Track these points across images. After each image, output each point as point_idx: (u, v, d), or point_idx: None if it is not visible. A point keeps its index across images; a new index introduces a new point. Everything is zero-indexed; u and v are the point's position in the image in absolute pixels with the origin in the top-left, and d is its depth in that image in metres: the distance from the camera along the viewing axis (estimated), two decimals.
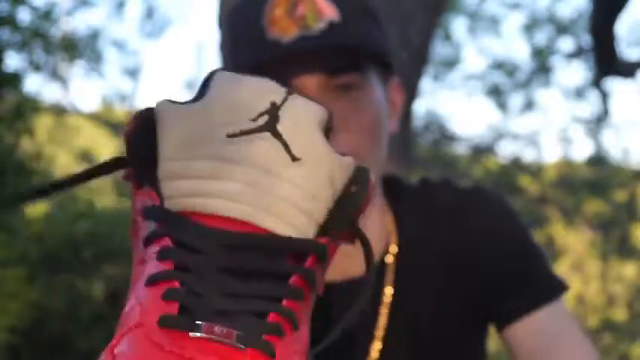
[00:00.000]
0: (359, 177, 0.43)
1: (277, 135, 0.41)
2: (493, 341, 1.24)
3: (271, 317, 0.38)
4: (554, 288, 0.94)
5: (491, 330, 1.02)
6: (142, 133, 0.43)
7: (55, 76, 8.29)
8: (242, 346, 0.37)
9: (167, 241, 0.40)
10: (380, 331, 0.93)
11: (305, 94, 0.44)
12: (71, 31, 8.66)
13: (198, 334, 0.37)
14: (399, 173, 1.05)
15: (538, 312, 0.92)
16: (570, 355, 0.91)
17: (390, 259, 0.94)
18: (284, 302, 0.39)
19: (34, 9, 4.53)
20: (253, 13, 0.87)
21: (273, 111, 0.41)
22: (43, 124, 7.09)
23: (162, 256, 0.40)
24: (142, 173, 0.43)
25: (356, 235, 0.45)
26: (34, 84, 11.72)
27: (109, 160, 0.44)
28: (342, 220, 0.43)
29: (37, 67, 4.85)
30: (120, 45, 9.72)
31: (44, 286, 4.38)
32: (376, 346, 0.93)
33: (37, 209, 5.36)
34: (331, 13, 0.86)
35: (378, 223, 0.95)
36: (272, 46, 0.85)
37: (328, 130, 0.44)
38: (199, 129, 0.41)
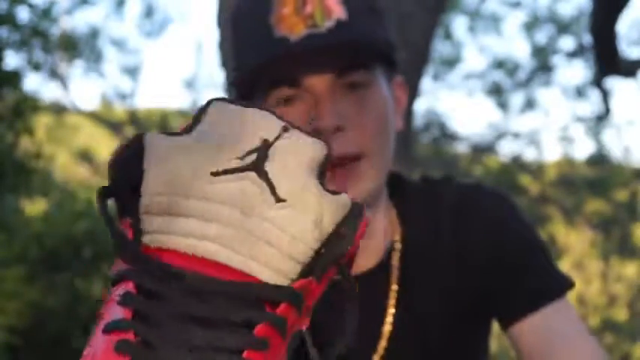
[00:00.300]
0: (352, 217, 0.41)
1: (263, 175, 0.40)
2: (494, 341, 1.23)
3: None
4: (560, 285, 0.93)
5: (491, 330, 1.01)
6: (129, 163, 0.41)
7: (55, 74, 8.29)
8: None
9: (130, 286, 0.39)
10: (387, 328, 0.93)
11: (303, 130, 0.42)
12: (71, 29, 8.66)
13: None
14: (399, 172, 1.05)
15: (543, 309, 0.91)
16: (576, 353, 0.90)
17: (395, 256, 0.94)
18: (245, 354, 0.38)
19: (33, 7, 4.52)
20: (260, 10, 0.87)
21: (263, 149, 0.40)
22: (42, 122, 7.08)
23: (123, 301, 0.39)
24: (124, 204, 0.42)
25: (342, 275, 0.44)
26: (34, 83, 11.73)
27: (99, 190, 0.43)
28: (327, 261, 0.41)
29: (36, 66, 4.84)
30: (119, 44, 9.71)
31: (44, 285, 4.38)
32: (383, 344, 0.92)
33: (36, 209, 5.36)
34: (339, 11, 0.86)
35: (382, 220, 0.95)
36: (280, 44, 0.85)
37: (324, 167, 0.42)
38: (185, 165, 0.40)
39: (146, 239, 0.40)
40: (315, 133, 0.84)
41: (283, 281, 0.40)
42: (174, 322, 0.37)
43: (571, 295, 0.94)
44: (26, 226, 4.66)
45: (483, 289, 0.94)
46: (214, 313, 0.38)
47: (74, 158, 9.35)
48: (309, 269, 0.41)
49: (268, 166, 0.40)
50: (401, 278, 0.94)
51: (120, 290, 0.40)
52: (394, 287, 0.94)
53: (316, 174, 0.41)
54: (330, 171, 0.82)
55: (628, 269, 8.05)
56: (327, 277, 0.43)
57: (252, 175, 0.40)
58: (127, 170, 0.41)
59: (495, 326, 0.98)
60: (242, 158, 0.40)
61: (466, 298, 0.94)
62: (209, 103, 0.42)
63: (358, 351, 0.93)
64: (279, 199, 0.39)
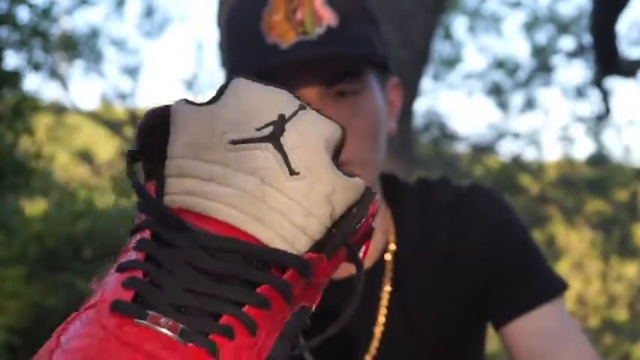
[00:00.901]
0: (363, 199, 0.43)
1: (279, 147, 0.41)
2: (494, 341, 1.23)
3: (225, 319, 0.39)
4: (555, 286, 0.94)
5: (491, 330, 1.01)
6: (156, 128, 0.44)
7: (55, 74, 8.28)
8: (182, 340, 0.38)
9: (146, 234, 0.42)
10: (379, 329, 0.93)
11: (319, 110, 0.44)
12: (70, 29, 8.66)
13: (142, 322, 0.38)
14: (399, 172, 1.05)
15: (538, 310, 0.91)
16: (571, 354, 0.90)
17: (388, 257, 0.94)
18: (245, 308, 0.40)
19: (33, 7, 4.52)
20: (251, 16, 0.87)
21: (280, 123, 0.42)
22: (42, 123, 7.09)
23: (138, 246, 0.41)
24: (150, 168, 0.45)
25: (351, 257, 0.45)
26: (34, 83, 11.72)
27: (127, 152, 0.45)
28: (336, 239, 0.43)
29: (36, 66, 4.84)
30: (119, 44, 9.71)
31: (44, 285, 4.38)
32: (375, 344, 0.93)
33: (36, 209, 5.36)
34: (329, 17, 0.86)
35: (376, 221, 0.95)
36: (271, 52, 0.85)
37: (339, 149, 0.44)
38: (208, 132, 0.42)
39: (167, 200, 0.42)
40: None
41: (293, 252, 0.41)
42: (183, 270, 0.40)
43: (571, 296, 0.94)
44: (26, 226, 4.66)
45: (478, 290, 0.94)
46: (222, 268, 0.40)
47: (74, 158, 9.36)
48: (320, 247, 0.42)
49: (284, 139, 0.42)
50: (394, 279, 0.94)
51: (136, 238, 0.42)
52: (387, 288, 0.94)
53: (330, 153, 0.43)
54: None
55: (628, 269, 8.05)
56: (339, 257, 0.44)
57: (269, 146, 0.41)
58: (155, 135, 0.44)
59: None
60: (259, 130, 0.42)
61: (460, 298, 0.94)
62: (232, 79, 0.44)
63: (350, 351, 0.93)
64: (292, 172, 0.41)
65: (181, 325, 0.38)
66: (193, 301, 0.39)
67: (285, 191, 0.41)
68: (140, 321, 0.38)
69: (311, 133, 0.42)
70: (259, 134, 0.42)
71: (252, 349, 0.39)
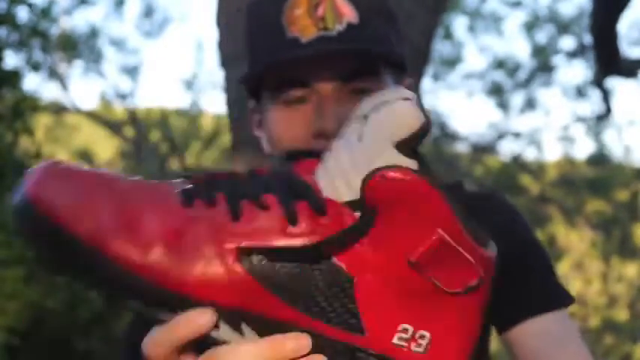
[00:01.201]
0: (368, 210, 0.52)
1: (363, 121, 0.53)
2: (494, 341, 1.22)
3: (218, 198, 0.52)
4: (561, 297, 0.93)
5: (492, 331, 1.01)
6: None
7: (54, 74, 8.28)
8: (189, 202, 0.51)
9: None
10: None
11: (418, 101, 0.53)
12: (70, 29, 8.66)
13: (175, 184, 0.54)
14: None
15: (543, 316, 0.91)
16: (569, 357, 0.90)
17: None
18: (242, 201, 0.52)
19: (32, 7, 4.51)
20: (272, 10, 0.87)
21: (379, 104, 0.52)
22: (42, 122, 7.09)
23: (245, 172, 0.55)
24: None
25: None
26: (33, 83, 11.72)
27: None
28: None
29: (35, 66, 4.84)
30: (119, 43, 9.71)
31: (43, 286, 4.37)
32: None
33: None
34: (350, 14, 0.86)
35: None
36: (290, 45, 0.85)
37: (416, 134, 0.51)
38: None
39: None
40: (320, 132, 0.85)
41: (335, 197, 0.52)
42: (246, 182, 0.53)
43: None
44: None
45: (492, 291, 0.94)
46: (266, 189, 0.53)
47: (73, 158, 9.36)
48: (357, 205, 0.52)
49: (372, 116, 0.52)
50: None
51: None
52: None
53: (403, 135, 0.51)
54: None
55: (628, 269, 8.06)
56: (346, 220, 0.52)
57: (361, 119, 0.53)
58: None
59: None
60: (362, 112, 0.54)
61: None
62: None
63: None
64: (360, 139, 0.52)
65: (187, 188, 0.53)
66: (214, 190, 0.53)
67: (351, 153, 0.52)
68: (175, 183, 0.53)
69: (391, 115, 0.51)
70: (367, 111, 0.53)
71: (225, 231, 0.50)
